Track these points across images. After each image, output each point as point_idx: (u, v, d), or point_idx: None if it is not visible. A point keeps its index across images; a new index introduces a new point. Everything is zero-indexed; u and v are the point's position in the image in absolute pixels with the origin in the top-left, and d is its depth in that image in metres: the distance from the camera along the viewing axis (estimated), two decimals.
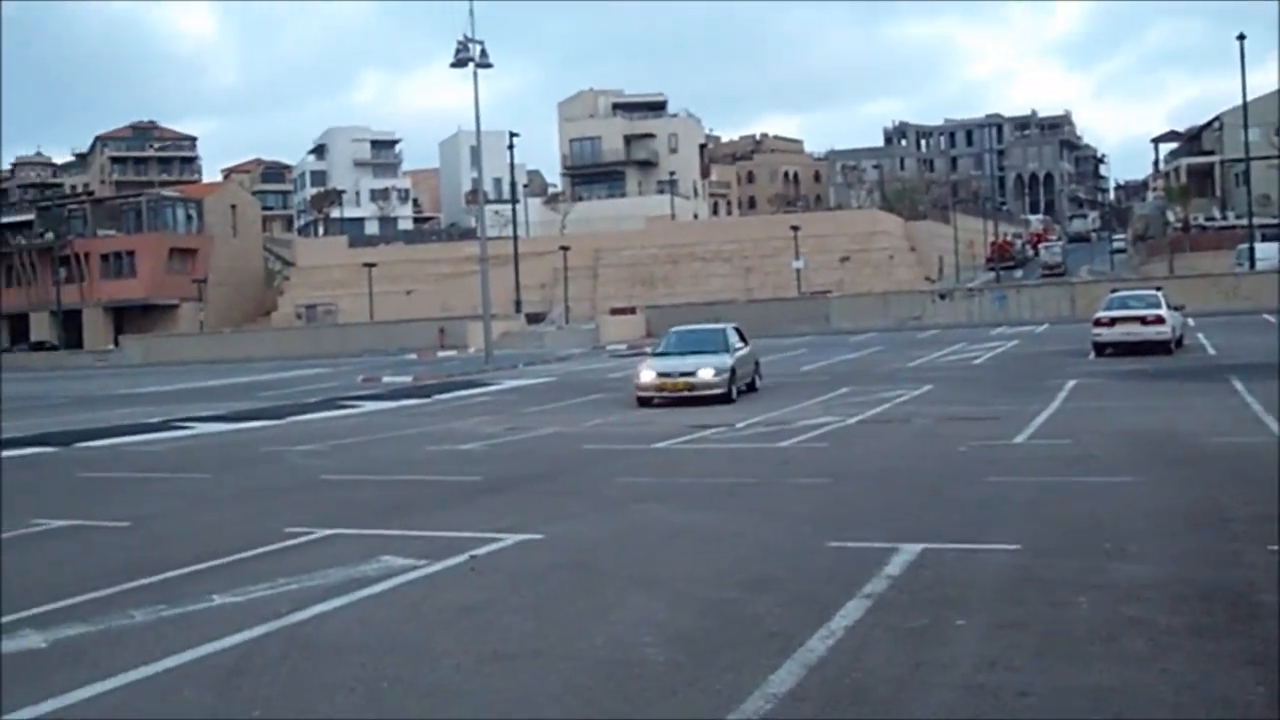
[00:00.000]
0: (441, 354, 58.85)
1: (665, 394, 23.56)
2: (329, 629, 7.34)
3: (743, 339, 26.38)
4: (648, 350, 28.94)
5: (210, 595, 8.22)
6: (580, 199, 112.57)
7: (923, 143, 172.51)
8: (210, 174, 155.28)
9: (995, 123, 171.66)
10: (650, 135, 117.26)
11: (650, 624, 7.11)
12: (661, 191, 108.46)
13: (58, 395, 41.22)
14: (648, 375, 24.08)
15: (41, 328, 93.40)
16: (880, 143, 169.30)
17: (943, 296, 65.84)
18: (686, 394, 23.28)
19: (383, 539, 10.24)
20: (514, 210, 77.94)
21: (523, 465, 15.81)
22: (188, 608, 7.92)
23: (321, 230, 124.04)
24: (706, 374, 23.42)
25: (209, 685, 6.22)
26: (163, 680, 6.35)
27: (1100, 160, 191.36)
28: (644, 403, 23.80)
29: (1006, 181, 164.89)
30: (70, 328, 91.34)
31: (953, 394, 23.28)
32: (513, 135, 69.43)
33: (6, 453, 20.31)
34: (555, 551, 9.54)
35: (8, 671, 6.61)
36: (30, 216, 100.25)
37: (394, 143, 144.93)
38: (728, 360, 24.07)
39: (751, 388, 25.71)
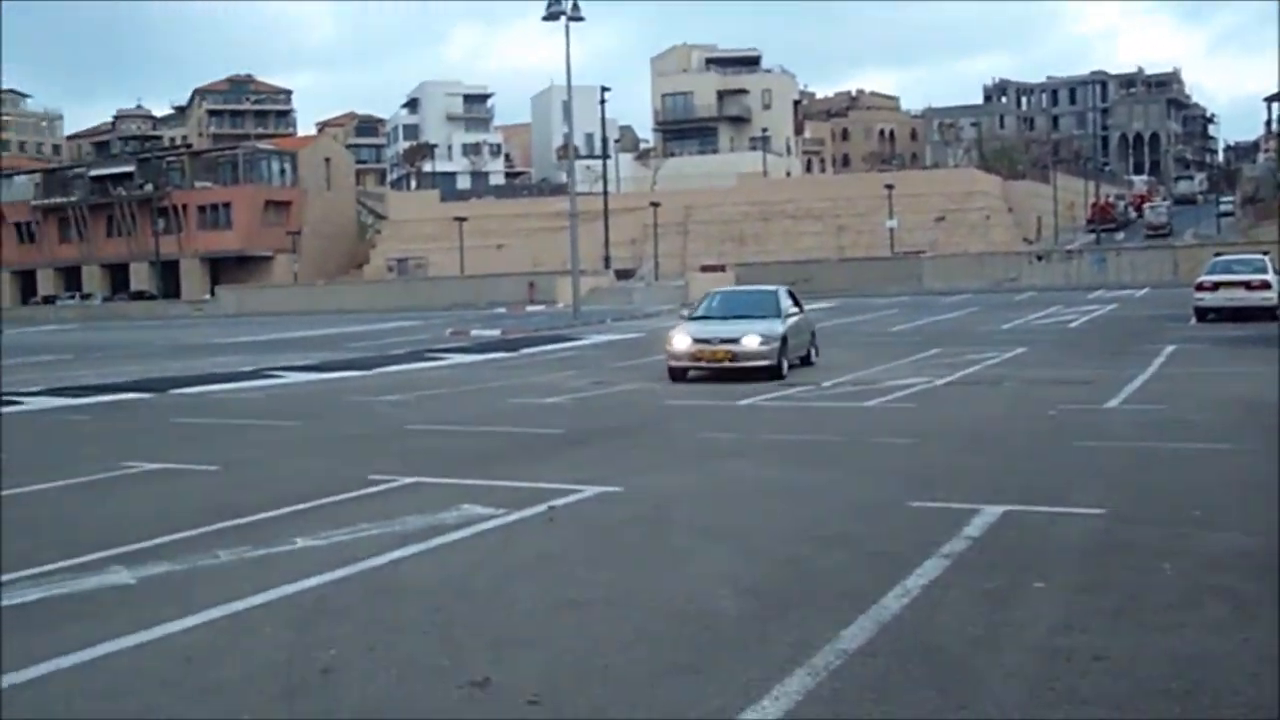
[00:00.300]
0: (530, 309, 59.19)
1: (703, 364, 20.19)
2: (406, 574, 7.43)
3: (796, 304, 22.68)
4: (683, 314, 24.17)
5: (293, 538, 8.35)
6: (672, 155, 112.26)
7: (1023, 100, 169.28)
8: (305, 128, 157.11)
9: (1099, 80, 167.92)
10: (743, 91, 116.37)
11: (724, 577, 7.10)
12: (754, 148, 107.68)
13: (155, 343, 42.12)
14: (682, 341, 20.35)
15: (141, 278, 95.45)
16: (979, 100, 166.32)
17: (1040, 258, 64.81)
18: (728, 364, 19.91)
19: (464, 488, 10.33)
20: (604, 166, 77.95)
21: (605, 419, 15.86)
22: (271, 550, 8.06)
23: (414, 184, 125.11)
24: (752, 342, 19.87)
25: (288, 624, 6.33)
26: (244, 618, 6.48)
27: (1209, 120, 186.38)
28: (677, 375, 20.29)
29: (1110, 141, 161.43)
30: (168, 278, 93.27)
31: (1046, 357, 22.91)
32: (604, 90, 69.26)
33: (103, 398, 20.81)
34: (633, 504, 9.56)
35: (99, 605, 6.80)
36: (131, 168, 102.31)
37: (486, 97, 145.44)
38: (778, 327, 20.54)
39: (806, 361, 22.18)
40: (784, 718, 4.83)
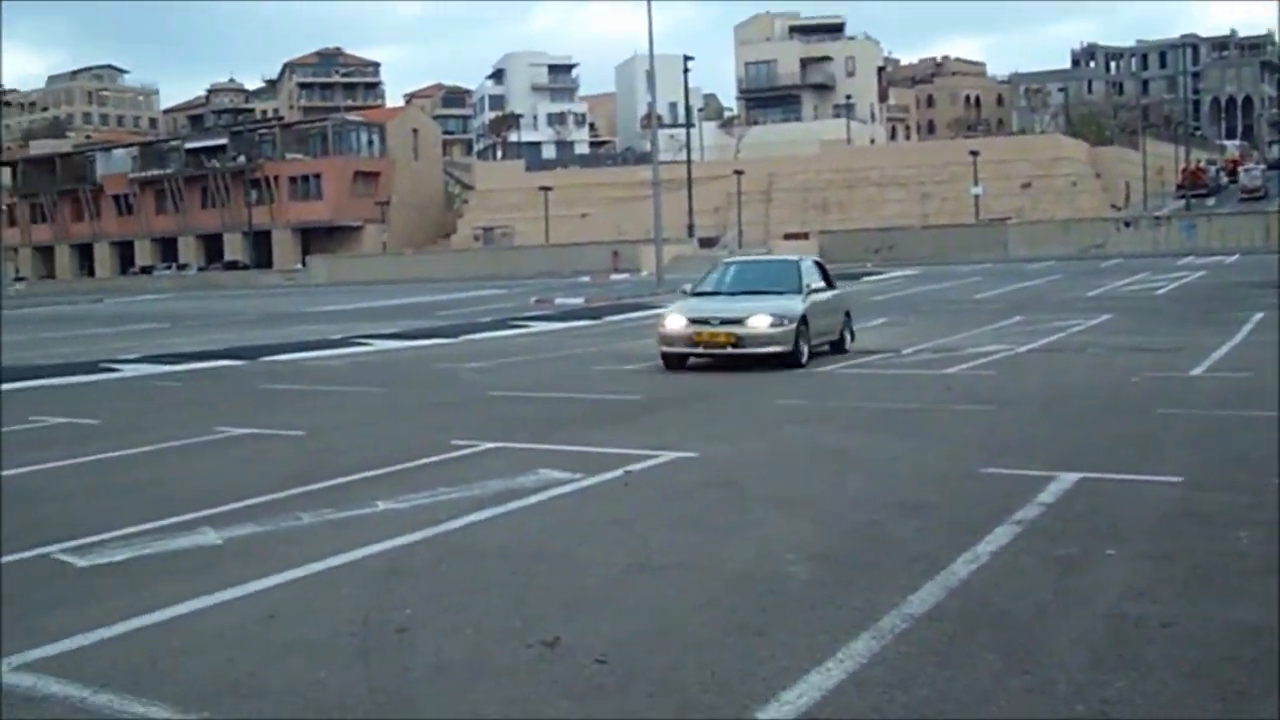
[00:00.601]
0: (614, 277, 59.37)
1: (701, 350, 17.16)
2: (483, 537, 7.58)
3: (826, 278, 19.44)
4: (685, 288, 20.15)
5: (374, 501, 8.55)
6: (755, 123, 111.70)
7: (1112, 65, 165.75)
8: (393, 99, 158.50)
9: (1190, 43, 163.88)
10: (827, 58, 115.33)
11: (794, 542, 7.16)
12: (838, 116, 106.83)
13: (247, 312, 42.93)
14: (675, 322, 17.39)
15: (234, 248, 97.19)
16: (1067, 65, 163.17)
17: (1127, 224, 63.69)
18: (731, 350, 16.89)
19: (542, 453, 10.48)
20: (688, 135, 77.79)
21: (684, 386, 15.93)
22: (352, 512, 8.27)
23: (499, 154, 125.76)
24: (760, 322, 16.80)
25: (366, 584, 6.51)
26: (323, 578, 6.67)
27: None
28: (672, 363, 17.43)
29: (1201, 105, 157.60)
30: (260, 248, 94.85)
31: (1131, 324, 22.59)
32: (688, 59, 69.15)
33: (196, 365, 21.30)
34: (708, 469, 9.65)
35: (187, 564, 7.03)
36: (224, 141, 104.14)
37: (571, 67, 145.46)
38: (796, 305, 17.33)
39: (838, 348, 18.96)
40: (848, 679, 4.89)
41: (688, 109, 79.69)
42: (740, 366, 17.01)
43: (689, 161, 74.14)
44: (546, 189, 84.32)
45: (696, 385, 15.99)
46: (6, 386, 18.21)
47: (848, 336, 19.65)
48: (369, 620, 5.87)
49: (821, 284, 18.82)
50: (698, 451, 10.36)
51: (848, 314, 20.04)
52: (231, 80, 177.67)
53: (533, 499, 8.60)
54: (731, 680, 4.91)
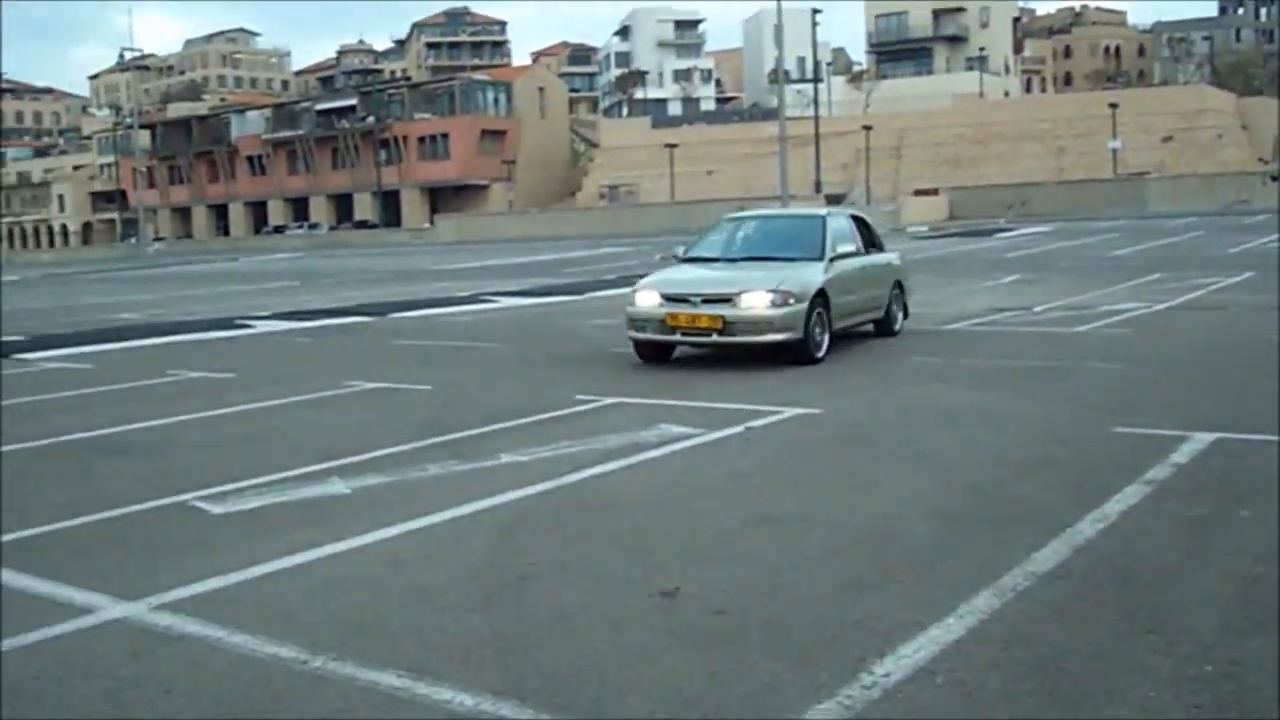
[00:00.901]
0: None
1: (679, 337, 13.22)
2: (604, 489, 7.65)
3: (868, 239, 15.43)
4: (677, 252, 15.72)
5: (498, 454, 8.68)
6: (885, 77, 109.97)
7: (1262, 12, 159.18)
8: (519, 58, 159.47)
9: None
10: (960, 9, 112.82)
11: (917, 498, 7.09)
12: (970, 69, 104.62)
13: (376, 270, 43.71)
14: (646, 299, 13.31)
15: (364, 207, 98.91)
16: (1214, 13, 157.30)
17: (1274, 179, 61.35)
18: (717, 339, 12.99)
19: (665, 408, 10.51)
20: (815, 90, 76.87)
21: None
22: (476, 464, 8.40)
23: (625, 111, 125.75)
24: (756, 301, 12.65)
25: (489, 534, 6.63)
26: (447, 528, 6.80)
27: None
28: (645, 354, 13.74)
29: None
30: (389, 207, 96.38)
31: (1274, 282, 21.81)
32: (816, 13, 68.31)
33: (327, 321, 21.78)
34: (831, 426, 9.59)
35: (317, 512, 7.23)
36: (354, 102, 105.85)
37: (697, 23, 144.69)
38: (812, 277, 13.27)
39: (884, 329, 15.41)
40: (967, 634, 4.85)
41: (816, 63, 78.68)
42: (733, 358, 13.38)
43: (816, 117, 73.31)
44: (672, 146, 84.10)
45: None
46: (148, 342, 18.88)
47: (897, 314, 15.72)
48: (492, 569, 5.98)
49: (854, 247, 14.63)
50: (821, 408, 10.30)
51: (899, 285, 15.83)
52: (361, 41, 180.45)
53: (654, 453, 8.65)
54: (849, 633, 4.90)
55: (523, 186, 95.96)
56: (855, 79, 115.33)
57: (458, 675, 4.57)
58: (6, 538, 6.83)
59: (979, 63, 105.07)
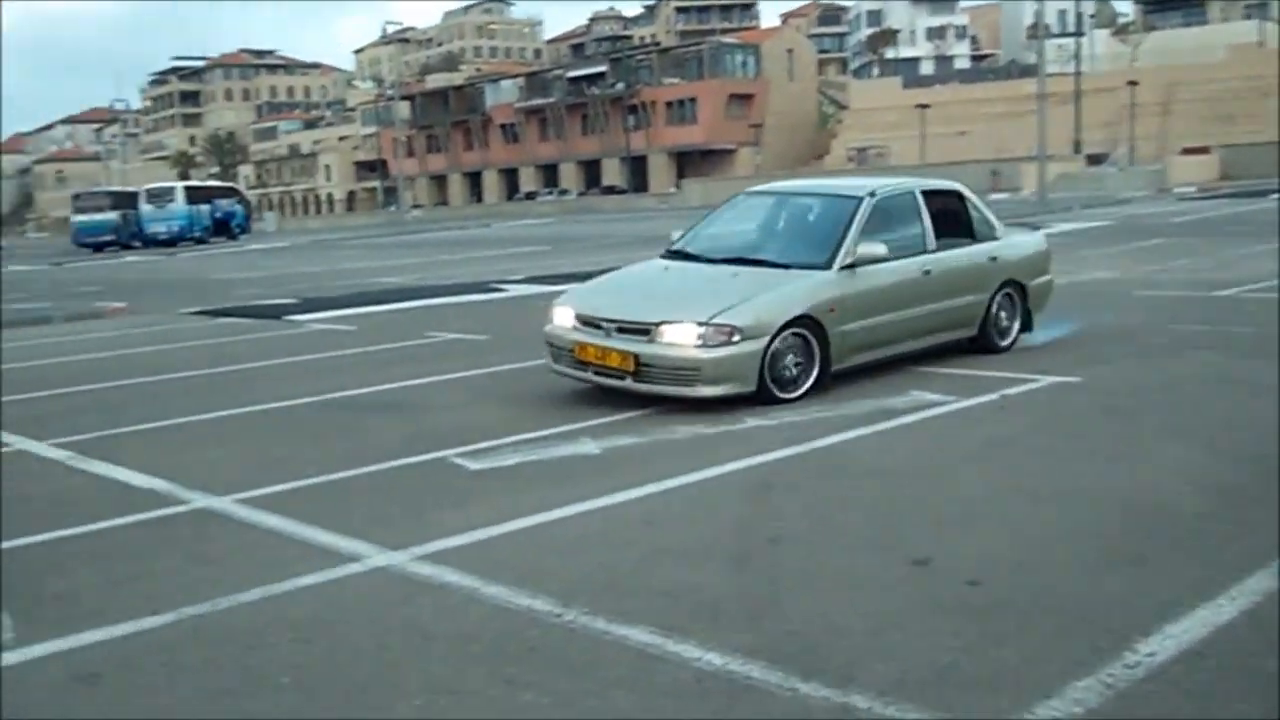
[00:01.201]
0: (994, 196, 57.40)
1: (591, 375, 9.61)
2: (852, 454, 7.58)
3: (960, 228, 11.01)
4: (674, 234, 12.25)
5: (744, 419, 8.68)
6: (1153, 29, 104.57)
7: None
8: (769, 20, 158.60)
9: None
10: None
11: (1184, 472, 6.77)
12: (1249, 17, 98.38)
13: (622, 235, 44.29)
14: (561, 318, 10.13)
15: (611, 173, 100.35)
16: None
17: None
18: (631, 383, 9.18)
19: (916, 375, 10.29)
20: (1077, 44, 73.83)
21: (1068, 309, 15.23)
22: (723, 428, 8.42)
23: (876, 72, 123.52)
24: (679, 337, 8.96)
25: (738, 495, 6.65)
26: (697, 488, 6.86)
27: None
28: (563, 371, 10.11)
29: None
30: (637, 172, 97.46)
31: None
32: None
33: (555, 287, 22.14)
34: (1091, 395, 9.23)
35: (568, 471, 7.39)
36: (603, 68, 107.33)
37: None
38: (794, 297, 9.34)
39: (983, 345, 11.12)
40: (1240, 615, 4.61)
41: (1079, 16, 75.59)
42: (640, 403, 9.26)
43: (1078, 73, 70.34)
44: (923, 106, 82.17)
45: (1084, 309, 15.27)
46: (408, 305, 19.66)
47: (1009, 325, 11.45)
48: (742, 530, 5.99)
49: (919, 241, 10.42)
50: (1081, 377, 9.92)
51: (1006, 291, 11.30)
52: (611, 9, 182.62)
53: (905, 419, 8.50)
54: (1111, 610, 4.72)
55: (770, 150, 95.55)
56: (1120, 32, 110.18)
57: (706, 634, 4.61)
58: (281, 487, 7.24)
59: (1258, 10, 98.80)
